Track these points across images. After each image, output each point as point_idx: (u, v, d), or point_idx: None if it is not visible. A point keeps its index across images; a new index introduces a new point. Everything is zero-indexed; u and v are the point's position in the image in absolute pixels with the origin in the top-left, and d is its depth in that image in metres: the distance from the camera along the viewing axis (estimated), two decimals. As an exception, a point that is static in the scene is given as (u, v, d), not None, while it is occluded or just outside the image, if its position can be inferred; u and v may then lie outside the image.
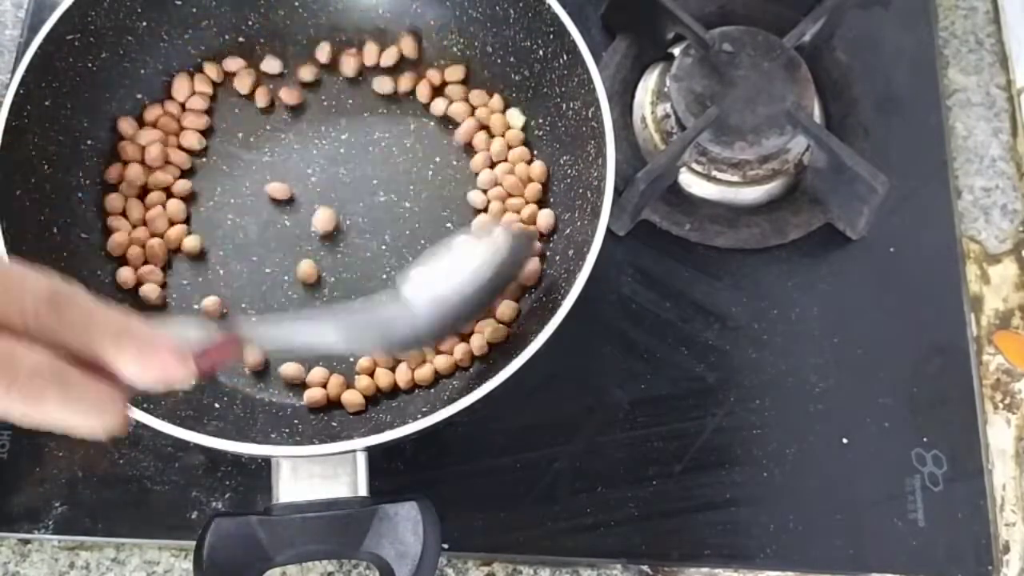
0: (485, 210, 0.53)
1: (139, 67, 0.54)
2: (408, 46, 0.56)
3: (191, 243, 0.51)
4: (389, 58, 0.56)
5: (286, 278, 0.52)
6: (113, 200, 0.52)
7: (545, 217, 0.52)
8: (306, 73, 0.56)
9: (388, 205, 0.54)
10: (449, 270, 0.42)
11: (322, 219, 0.52)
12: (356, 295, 0.51)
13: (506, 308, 0.49)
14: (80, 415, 0.28)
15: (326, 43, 0.56)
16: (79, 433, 0.28)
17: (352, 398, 0.48)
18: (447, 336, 0.43)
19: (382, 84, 0.56)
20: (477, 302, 0.43)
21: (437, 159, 0.55)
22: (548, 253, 0.51)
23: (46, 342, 0.27)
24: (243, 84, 0.55)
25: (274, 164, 0.54)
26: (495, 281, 0.43)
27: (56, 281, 0.28)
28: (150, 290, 0.50)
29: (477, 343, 0.49)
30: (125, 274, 0.50)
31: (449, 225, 0.53)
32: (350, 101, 0.56)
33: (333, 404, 0.49)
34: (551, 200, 0.53)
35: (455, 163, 0.55)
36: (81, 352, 0.28)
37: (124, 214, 0.52)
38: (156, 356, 0.29)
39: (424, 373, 0.49)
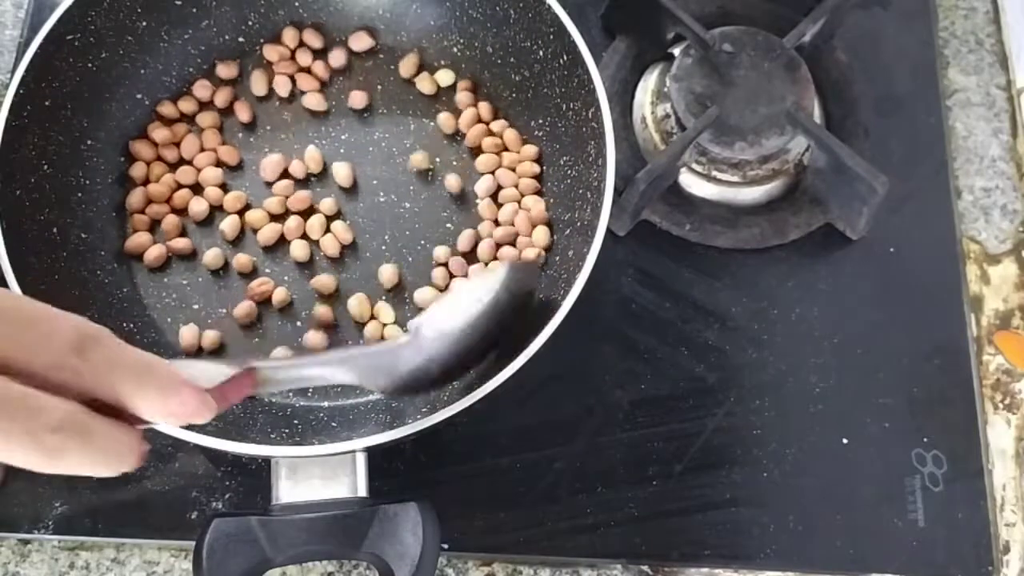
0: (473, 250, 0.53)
1: (139, 67, 0.54)
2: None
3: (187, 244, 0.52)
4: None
5: (286, 278, 0.52)
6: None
7: (541, 235, 0.52)
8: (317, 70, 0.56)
9: (388, 205, 0.54)
10: (455, 308, 0.43)
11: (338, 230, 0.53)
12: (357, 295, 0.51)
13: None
14: (98, 464, 0.28)
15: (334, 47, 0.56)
16: (90, 474, 0.28)
17: None
18: (458, 372, 0.44)
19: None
20: (485, 334, 0.43)
21: (438, 159, 0.55)
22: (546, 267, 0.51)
23: (69, 387, 0.28)
24: (259, 86, 0.56)
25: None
26: (502, 312, 0.43)
27: (82, 323, 0.28)
28: (154, 253, 0.51)
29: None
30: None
31: (449, 225, 0.53)
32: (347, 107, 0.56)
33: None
34: (551, 201, 0.53)
35: (455, 163, 0.55)
36: (103, 395, 0.28)
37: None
38: (177, 395, 0.29)
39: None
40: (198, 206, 0.52)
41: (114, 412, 0.28)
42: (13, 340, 0.27)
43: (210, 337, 0.49)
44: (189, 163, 0.54)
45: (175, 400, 0.29)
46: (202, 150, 0.54)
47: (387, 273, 0.51)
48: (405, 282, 0.52)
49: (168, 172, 0.53)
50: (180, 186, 0.53)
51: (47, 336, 0.27)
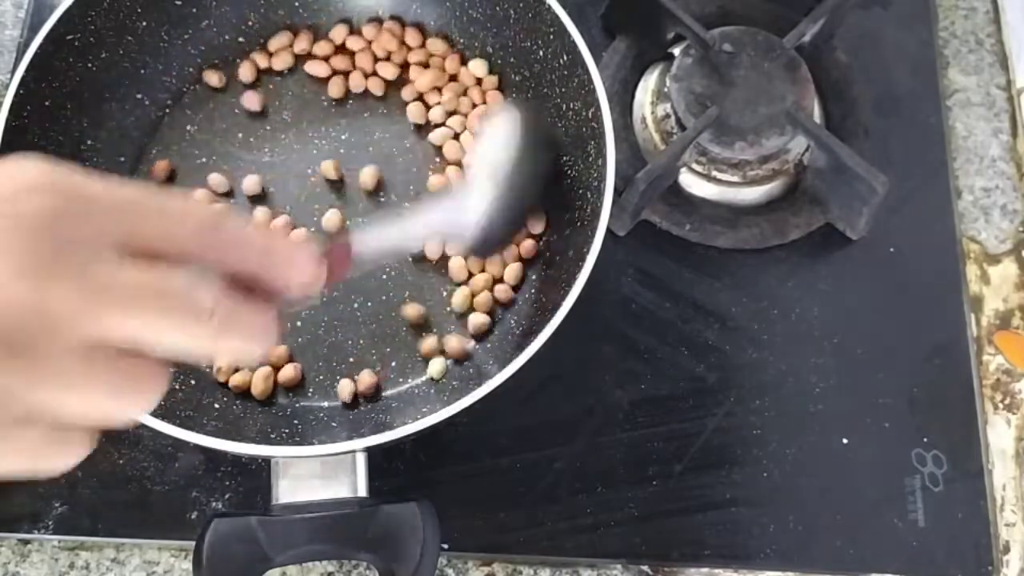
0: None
1: (139, 67, 0.54)
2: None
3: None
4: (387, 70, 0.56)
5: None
6: None
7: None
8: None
9: (388, 205, 0.54)
10: (496, 144, 0.44)
11: (330, 219, 0.53)
12: (357, 294, 0.51)
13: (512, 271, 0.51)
14: (249, 344, 0.28)
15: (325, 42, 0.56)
16: (241, 360, 0.28)
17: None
18: (516, 214, 0.44)
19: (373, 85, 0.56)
20: (529, 167, 0.43)
21: (437, 159, 0.55)
22: (542, 248, 0.51)
23: (212, 268, 0.28)
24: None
25: (274, 164, 0.54)
26: (532, 143, 0.44)
27: (207, 205, 0.29)
28: None
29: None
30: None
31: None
32: (350, 101, 0.56)
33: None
34: (550, 201, 0.53)
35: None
36: (240, 270, 0.28)
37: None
38: (301, 265, 0.30)
39: (436, 367, 0.49)
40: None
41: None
42: (151, 225, 0.27)
43: None
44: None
45: (300, 269, 0.30)
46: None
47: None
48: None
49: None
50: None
51: (181, 216, 0.28)
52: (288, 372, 0.49)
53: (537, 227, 0.52)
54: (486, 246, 0.44)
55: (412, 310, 0.50)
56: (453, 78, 0.56)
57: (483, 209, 0.42)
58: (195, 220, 0.28)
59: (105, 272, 0.25)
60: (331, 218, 0.52)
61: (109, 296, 0.25)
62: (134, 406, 0.26)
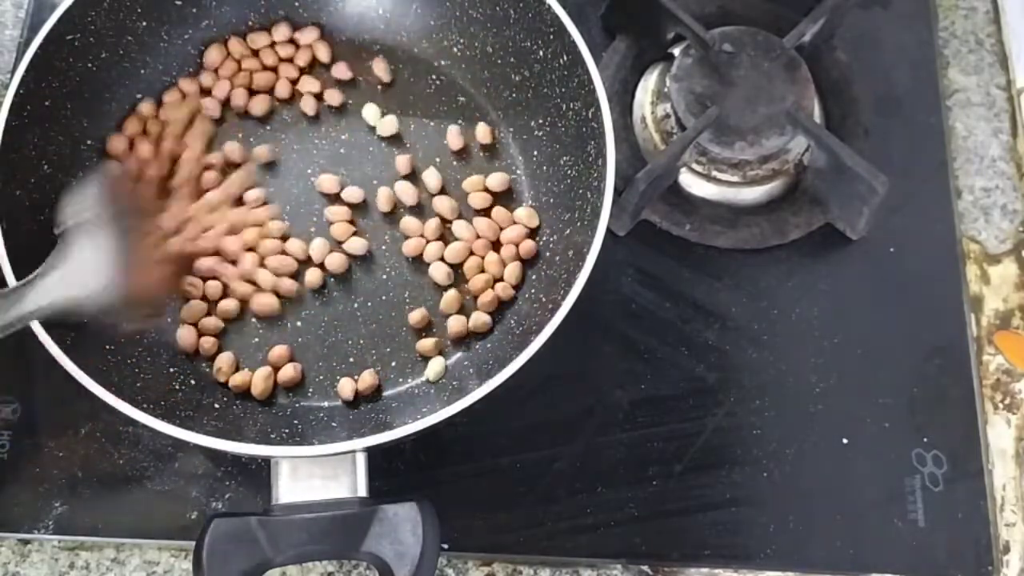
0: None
1: (139, 67, 0.54)
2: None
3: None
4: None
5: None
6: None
7: (527, 217, 0.52)
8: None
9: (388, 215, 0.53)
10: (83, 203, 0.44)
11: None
12: (357, 294, 0.51)
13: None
14: None
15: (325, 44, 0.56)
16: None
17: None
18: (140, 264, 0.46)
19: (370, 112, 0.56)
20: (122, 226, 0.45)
21: (437, 159, 0.55)
22: (541, 248, 0.51)
23: None
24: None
25: (274, 164, 0.54)
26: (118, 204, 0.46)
27: None
28: None
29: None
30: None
31: (449, 225, 0.53)
32: (350, 101, 0.56)
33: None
34: (550, 201, 0.53)
35: (455, 164, 0.55)
36: None
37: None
38: None
39: (436, 367, 0.49)
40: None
41: None
42: None
43: (208, 342, 0.49)
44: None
45: None
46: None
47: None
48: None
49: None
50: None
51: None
52: (288, 372, 0.49)
53: (532, 222, 0.52)
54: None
55: (417, 315, 0.50)
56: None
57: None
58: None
59: None
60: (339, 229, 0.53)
61: None
62: None
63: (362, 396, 0.49)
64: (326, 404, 0.49)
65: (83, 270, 0.42)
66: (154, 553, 0.49)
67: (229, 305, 0.50)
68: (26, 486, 0.49)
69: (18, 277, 0.43)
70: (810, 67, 0.56)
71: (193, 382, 0.49)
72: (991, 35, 0.64)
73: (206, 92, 0.55)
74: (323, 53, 0.56)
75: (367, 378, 0.49)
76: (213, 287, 0.50)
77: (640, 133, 0.58)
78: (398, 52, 0.57)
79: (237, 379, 0.48)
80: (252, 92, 0.55)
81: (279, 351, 0.50)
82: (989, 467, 0.52)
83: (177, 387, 0.48)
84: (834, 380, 0.53)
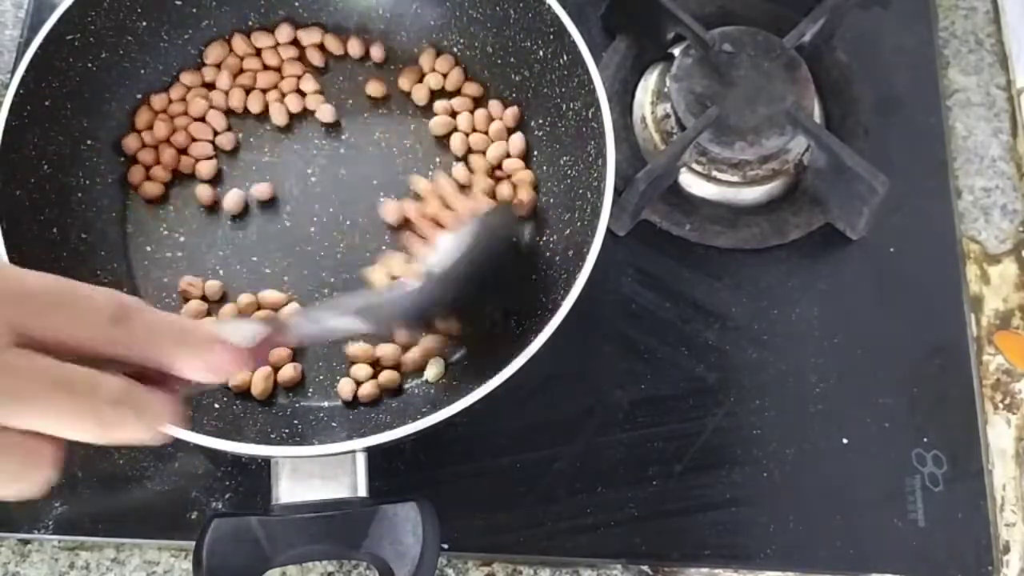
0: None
1: (139, 67, 0.54)
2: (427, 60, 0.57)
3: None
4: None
5: (285, 278, 0.52)
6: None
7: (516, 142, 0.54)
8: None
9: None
10: (454, 249, 0.45)
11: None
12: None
13: None
14: (146, 432, 0.29)
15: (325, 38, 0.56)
16: (132, 444, 0.29)
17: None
18: (456, 312, 0.46)
19: (375, 87, 0.56)
20: (479, 275, 0.45)
21: (437, 159, 0.55)
22: (541, 248, 0.51)
23: (114, 359, 0.28)
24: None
25: (274, 164, 0.54)
26: (492, 252, 0.46)
27: (117, 295, 0.29)
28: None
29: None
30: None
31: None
32: (350, 101, 0.56)
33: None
34: (550, 201, 0.53)
35: (455, 164, 0.55)
36: (147, 362, 0.29)
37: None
38: (217, 355, 0.30)
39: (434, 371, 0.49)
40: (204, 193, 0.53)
41: (151, 379, 0.29)
42: (55, 319, 0.27)
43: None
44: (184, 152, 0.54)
45: (216, 359, 0.30)
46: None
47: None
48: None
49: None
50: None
51: (86, 311, 0.28)
52: (288, 372, 0.49)
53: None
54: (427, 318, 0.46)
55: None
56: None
57: (419, 310, 0.43)
58: (100, 315, 0.28)
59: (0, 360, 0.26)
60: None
61: (2, 384, 0.26)
62: (26, 487, 0.28)
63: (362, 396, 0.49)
64: (326, 404, 0.49)
65: (415, 308, 0.43)
66: (154, 553, 0.49)
67: (229, 311, 0.50)
68: (26, 486, 0.49)
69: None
70: (810, 67, 0.56)
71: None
72: (991, 35, 0.64)
73: (209, 87, 0.55)
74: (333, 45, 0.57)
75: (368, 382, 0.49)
76: (212, 287, 0.50)
77: (640, 133, 0.58)
78: (398, 52, 0.57)
79: (237, 379, 0.49)
80: (250, 91, 0.55)
81: (279, 351, 0.50)
82: (989, 467, 0.52)
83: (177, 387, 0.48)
84: (834, 380, 0.53)
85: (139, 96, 0.54)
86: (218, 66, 0.55)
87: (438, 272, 0.44)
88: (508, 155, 0.54)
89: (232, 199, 0.53)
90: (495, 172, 0.54)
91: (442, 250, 0.45)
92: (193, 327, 0.30)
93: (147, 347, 0.29)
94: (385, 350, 0.49)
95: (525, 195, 0.52)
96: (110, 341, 0.28)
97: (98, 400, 0.27)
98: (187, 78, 0.55)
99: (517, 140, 0.54)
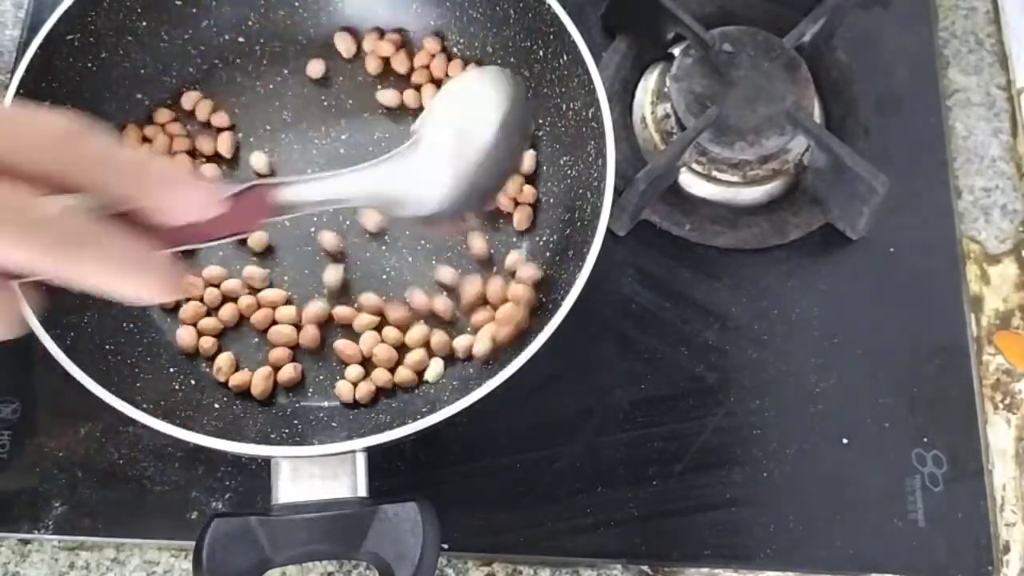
0: None
1: (139, 67, 0.54)
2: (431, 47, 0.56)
3: None
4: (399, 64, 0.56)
5: (286, 278, 0.52)
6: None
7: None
8: (312, 70, 0.56)
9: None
10: (450, 108, 0.41)
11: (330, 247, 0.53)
12: (357, 294, 0.51)
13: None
14: (126, 276, 0.26)
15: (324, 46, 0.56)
16: (130, 299, 0.26)
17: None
18: (476, 201, 0.41)
19: (386, 96, 0.56)
20: (497, 153, 0.40)
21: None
22: (541, 248, 0.51)
23: (66, 187, 0.25)
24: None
25: (274, 164, 0.54)
26: (511, 128, 0.40)
27: (71, 116, 0.26)
28: None
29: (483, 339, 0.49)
30: None
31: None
32: (350, 101, 0.56)
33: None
34: (551, 201, 0.53)
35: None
36: (105, 192, 0.26)
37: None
38: (183, 187, 0.27)
39: (434, 370, 0.49)
40: None
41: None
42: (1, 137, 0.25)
43: (208, 342, 0.49)
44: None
45: (182, 192, 0.27)
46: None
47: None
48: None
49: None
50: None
51: (34, 127, 0.26)
52: (288, 372, 0.49)
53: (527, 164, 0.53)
54: (440, 220, 0.40)
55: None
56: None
57: (444, 183, 0.39)
58: (52, 132, 0.25)
59: None
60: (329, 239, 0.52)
61: None
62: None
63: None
64: (326, 404, 0.49)
65: (422, 181, 0.38)
66: (154, 553, 0.49)
67: (229, 311, 0.50)
68: (26, 486, 0.49)
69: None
70: (810, 67, 0.56)
71: (193, 382, 0.49)
72: (991, 35, 0.64)
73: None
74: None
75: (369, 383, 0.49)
76: (212, 293, 0.50)
77: (640, 133, 0.58)
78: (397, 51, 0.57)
79: (237, 379, 0.49)
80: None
81: (279, 352, 0.49)
82: (989, 467, 0.52)
83: (177, 387, 0.48)
84: (834, 380, 0.53)
85: (139, 96, 0.54)
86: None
87: (429, 130, 0.40)
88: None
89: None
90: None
91: (439, 107, 0.41)
92: (155, 158, 0.27)
93: (101, 174, 0.26)
94: (378, 349, 0.49)
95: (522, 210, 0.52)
96: (65, 161, 0.25)
97: (35, 215, 0.24)
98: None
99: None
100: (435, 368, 0.49)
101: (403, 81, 0.56)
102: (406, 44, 0.57)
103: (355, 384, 0.49)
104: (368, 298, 0.51)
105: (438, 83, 0.56)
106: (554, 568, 0.50)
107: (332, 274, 0.51)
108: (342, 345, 0.49)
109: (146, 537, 0.49)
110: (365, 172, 0.38)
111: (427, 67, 0.56)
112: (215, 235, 0.30)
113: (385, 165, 0.39)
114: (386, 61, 0.56)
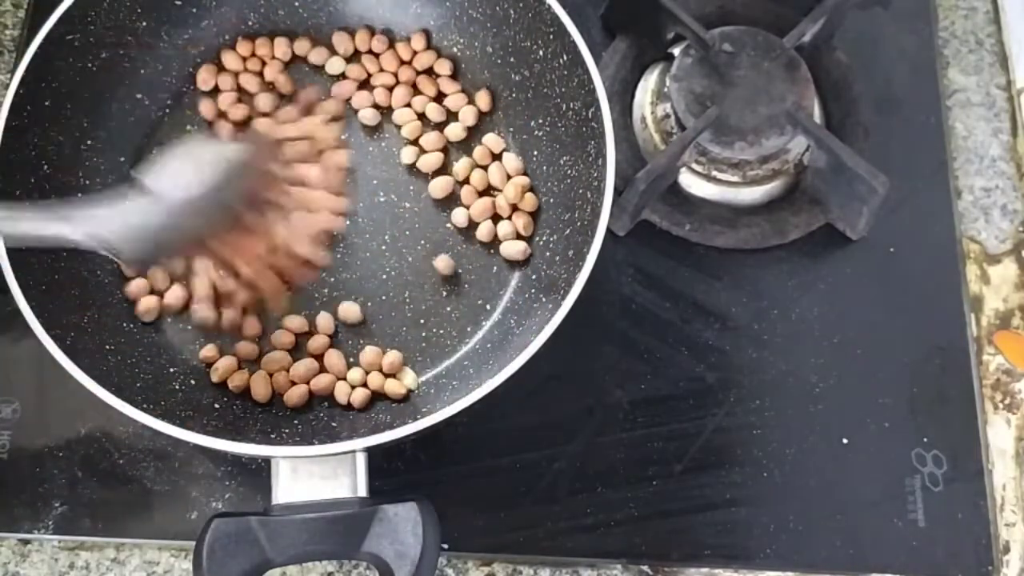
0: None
1: (139, 67, 0.54)
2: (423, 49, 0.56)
3: None
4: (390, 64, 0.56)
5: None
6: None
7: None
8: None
9: (388, 205, 0.54)
10: (191, 168, 0.42)
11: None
12: (357, 296, 0.51)
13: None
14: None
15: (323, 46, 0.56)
16: None
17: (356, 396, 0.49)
18: (193, 239, 0.42)
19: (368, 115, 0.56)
20: (220, 203, 0.42)
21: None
22: (541, 248, 0.51)
23: None
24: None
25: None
26: (237, 184, 0.43)
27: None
28: None
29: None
30: None
31: (449, 225, 0.53)
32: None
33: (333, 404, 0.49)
34: (550, 201, 0.53)
35: (455, 164, 0.54)
36: None
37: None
38: None
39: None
40: None
41: None
42: None
43: (209, 350, 0.50)
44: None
45: None
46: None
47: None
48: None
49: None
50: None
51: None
52: (294, 394, 0.49)
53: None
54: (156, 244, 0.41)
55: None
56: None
57: (157, 228, 0.40)
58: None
59: None
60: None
61: None
62: None
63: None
64: (326, 404, 0.49)
65: (134, 226, 0.40)
66: (154, 553, 0.49)
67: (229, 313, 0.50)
68: (26, 486, 0.49)
69: (18, 277, 0.43)
70: (810, 67, 0.56)
71: (193, 382, 0.49)
72: (991, 35, 0.64)
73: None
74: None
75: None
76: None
77: (640, 133, 0.58)
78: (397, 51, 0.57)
79: (237, 380, 0.49)
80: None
81: (279, 355, 0.49)
82: (989, 467, 0.52)
83: (177, 387, 0.48)
84: (834, 380, 0.53)
85: (139, 96, 0.54)
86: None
87: (163, 189, 0.41)
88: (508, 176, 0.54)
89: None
90: (491, 190, 0.54)
91: (173, 166, 0.42)
92: None
93: None
94: (366, 357, 0.50)
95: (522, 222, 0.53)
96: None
97: None
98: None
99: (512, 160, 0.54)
100: (408, 376, 0.49)
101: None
102: (393, 45, 0.57)
103: (352, 388, 0.49)
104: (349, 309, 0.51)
105: (415, 86, 0.56)
106: (554, 568, 0.50)
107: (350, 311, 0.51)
108: (335, 357, 0.50)
109: (146, 537, 0.49)
110: (78, 210, 0.39)
111: (409, 63, 0.56)
112: None
113: (100, 206, 0.40)
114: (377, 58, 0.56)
